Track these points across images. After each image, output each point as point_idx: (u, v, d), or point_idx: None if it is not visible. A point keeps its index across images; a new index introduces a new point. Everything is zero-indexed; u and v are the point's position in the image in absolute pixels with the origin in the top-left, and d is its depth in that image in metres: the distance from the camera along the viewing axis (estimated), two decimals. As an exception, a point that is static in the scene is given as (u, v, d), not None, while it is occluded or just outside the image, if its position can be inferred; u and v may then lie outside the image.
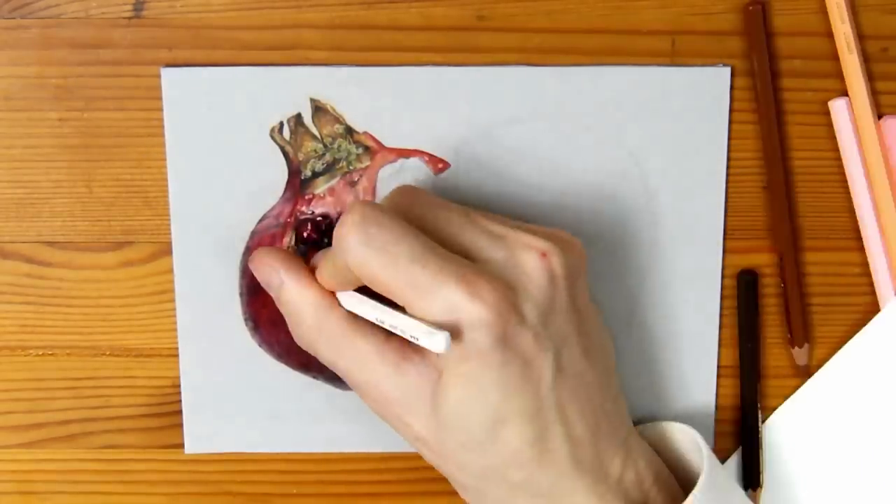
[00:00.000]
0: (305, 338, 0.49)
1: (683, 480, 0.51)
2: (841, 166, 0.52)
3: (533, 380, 0.45)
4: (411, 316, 0.45)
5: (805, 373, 0.54)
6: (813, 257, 0.54)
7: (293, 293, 0.48)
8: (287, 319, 0.49)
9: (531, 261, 0.46)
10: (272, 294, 0.50)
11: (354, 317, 0.48)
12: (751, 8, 0.50)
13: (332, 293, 0.48)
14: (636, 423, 0.52)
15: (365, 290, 0.47)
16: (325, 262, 0.48)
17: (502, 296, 0.44)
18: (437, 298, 0.44)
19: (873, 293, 0.53)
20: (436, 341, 0.43)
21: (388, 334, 0.47)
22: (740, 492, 0.50)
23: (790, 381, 0.55)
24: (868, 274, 0.53)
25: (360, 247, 0.45)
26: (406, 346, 0.47)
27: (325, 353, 0.48)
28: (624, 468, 0.48)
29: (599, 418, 0.47)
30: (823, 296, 0.54)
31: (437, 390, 0.46)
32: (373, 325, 0.47)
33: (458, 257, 0.45)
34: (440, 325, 0.44)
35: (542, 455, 0.46)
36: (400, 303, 0.45)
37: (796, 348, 0.53)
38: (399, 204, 0.47)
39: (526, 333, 0.45)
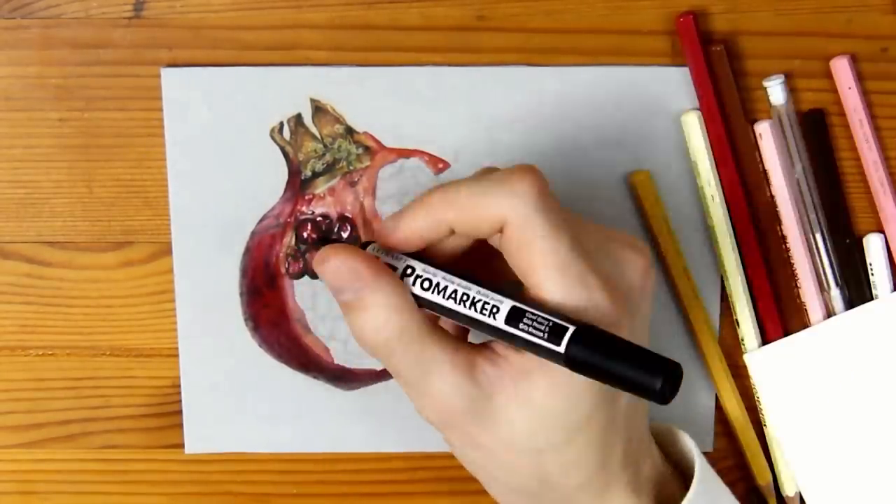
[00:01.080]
0: (382, 345, 0.45)
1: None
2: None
3: (618, 393, 0.45)
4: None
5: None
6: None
7: (377, 297, 0.45)
8: (358, 324, 0.45)
9: (638, 275, 0.46)
10: (342, 298, 0.46)
11: (429, 326, 0.46)
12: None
13: (421, 313, 0.45)
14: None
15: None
16: (449, 193, 0.45)
17: (622, 304, 0.44)
18: (578, 292, 0.43)
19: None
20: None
21: (457, 344, 0.46)
22: (730, 497, 0.51)
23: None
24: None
25: (534, 210, 0.43)
26: (475, 355, 0.46)
27: (399, 362, 0.45)
28: (652, 466, 0.48)
29: (643, 424, 0.48)
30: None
31: (520, 395, 0.45)
32: (445, 336, 0.46)
33: (597, 262, 0.44)
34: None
35: (603, 459, 0.46)
36: (528, 277, 0.44)
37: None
38: None
39: (625, 334, 0.44)
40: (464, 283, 0.45)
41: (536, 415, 0.45)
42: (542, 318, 0.43)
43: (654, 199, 0.52)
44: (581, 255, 0.44)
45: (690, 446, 0.50)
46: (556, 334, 0.42)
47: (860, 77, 0.52)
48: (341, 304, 0.46)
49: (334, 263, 0.45)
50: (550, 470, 0.46)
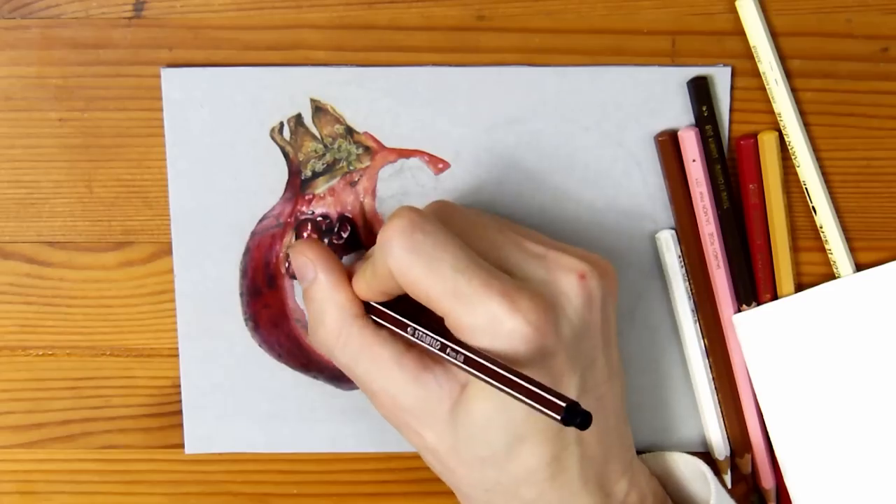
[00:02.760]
0: (323, 339, 0.49)
1: None
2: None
3: None
4: (439, 331, 0.46)
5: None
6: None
7: (322, 292, 0.48)
8: (308, 317, 0.49)
9: (570, 282, 0.46)
10: (302, 286, 0.50)
11: (376, 325, 0.48)
12: (660, 139, 0.51)
13: (360, 303, 0.48)
14: (640, 435, 0.52)
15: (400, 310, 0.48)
16: (365, 268, 0.48)
17: (542, 313, 0.44)
18: (478, 310, 0.44)
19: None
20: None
21: (409, 344, 0.47)
22: None
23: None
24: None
25: (404, 252, 0.45)
26: (426, 357, 0.47)
27: (342, 357, 0.48)
28: (629, 490, 0.48)
29: (612, 441, 0.48)
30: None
31: (461, 402, 0.46)
32: (394, 334, 0.47)
33: (500, 272, 0.45)
34: (476, 336, 0.44)
35: (555, 475, 0.46)
36: (438, 311, 0.45)
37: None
38: (440, 214, 0.47)
39: (559, 353, 0.45)
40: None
41: (475, 421, 0.45)
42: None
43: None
44: (475, 272, 0.44)
45: (699, 474, 0.50)
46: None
47: (860, 77, 0.52)
48: (303, 292, 0.50)
49: (293, 253, 0.50)
50: (496, 481, 0.46)
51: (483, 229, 0.47)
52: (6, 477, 0.56)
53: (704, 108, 0.51)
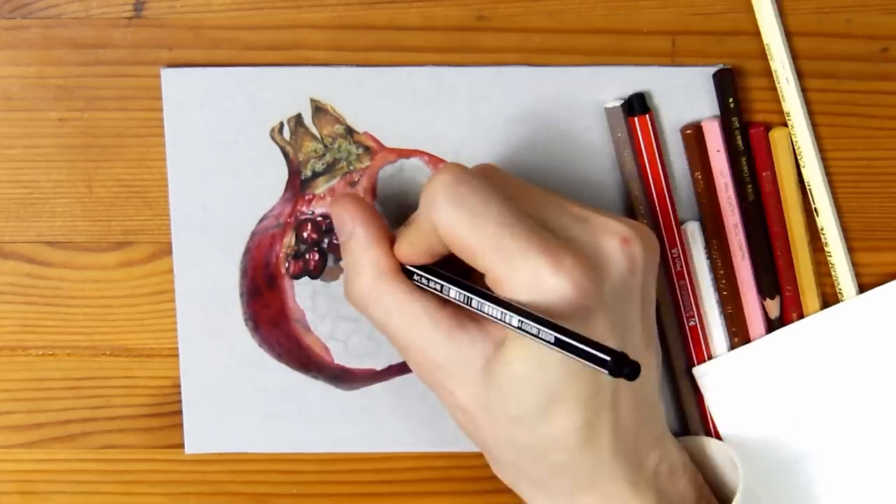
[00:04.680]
0: (358, 293, 0.48)
1: (718, 496, 0.51)
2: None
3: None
4: (486, 288, 0.45)
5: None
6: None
7: (359, 246, 0.48)
8: (346, 272, 0.49)
9: (614, 245, 0.46)
10: (339, 240, 0.49)
11: (411, 282, 0.47)
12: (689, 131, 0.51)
13: (395, 259, 0.48)
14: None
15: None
16: (408, 229, 0.47)
17: (585, 273, 0.44)
18: (520, 266, 0.44)
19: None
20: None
21: (444, 301, 0.47)
22: None
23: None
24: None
25: (448, 206, 0.44)
26: (461, 314, 0.46)
27: (375, 311, 0.48)
28: (660, 462, 0.48)
29: (645, 411, 0.47)
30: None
31: (495, 360, 0.45)
32: (428, 291, 0.47)
33: (544, 230, 0.45)
34: (517, 292, 0.44)
35: (587, 440, 0.46)
36: (480, 266, 0.45)
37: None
38: (485, 173, 0.47)
39: (599, 314, 0.44)
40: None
41: (510, 379, 0.45)
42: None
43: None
44: (518, 228, 0.44)
45: (729, 461, 0.50)
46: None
47: (860, 77, 0.52)
48: (340, 245, 0.49)
49: (333, 207, 0.49)
50: (526, 442, 0.46)
51: (527, 190, 0.47)
52: (6, 477, 0.56)
53: (731, 101, 0.51)
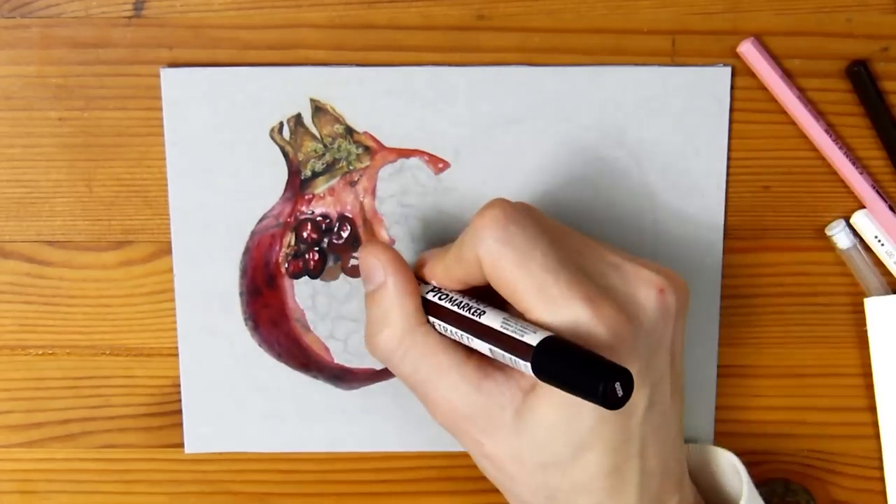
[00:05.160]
0: (384, 345, 0.48)
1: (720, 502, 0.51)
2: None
3: (627, 412, 0.45)
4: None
5: None
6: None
7: (390, 297, 0.47)
8: (369, 320, 0.48)
9: (650, 296, 0.46)
10: (366, 289, 0.49)
11: (438, 333, 0.47)
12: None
13: (423, 312, 0.48)
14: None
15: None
16: (442, 255, 0.47)
17: (623, 323, 0.44)
18: (560, 310, 0.44)
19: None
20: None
21: (469, 352, 0.47)
22: None
23: (785, 381, 0.55)
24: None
25: (496, 242, 0.45)
26: (486, 364, 0.46)
27: (402, 363, 0.47)
28: None
29: (669, 456, 0.48)
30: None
31: (526, 406, 0.45)
32: (455, 342, 0.47)
33: (585, 277, 0.45)
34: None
35: (614, 485, 0.46)
36: (519, 305, 0.45)
37: None
38: (530, 212, 0.47)
39: (633, 365, 0.44)
40: (471, 315, 0.46)
41: (540, 427, 0.45)
42: (511, 337, 0.44)
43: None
44: (562, 273, 0.44)
45: (732, 469, 0.50)
46: (523, 350, 0.43)
47: (860, 77, 0.52)
48: (366, 294, 0.49)
49: (363, 254, 0.49)
50: (557, 488, 0.46)
51: (565, 233, 0.47)
52: (6, 476, 0.56)
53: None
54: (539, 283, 0.44)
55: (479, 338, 0.46)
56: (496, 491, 0.50)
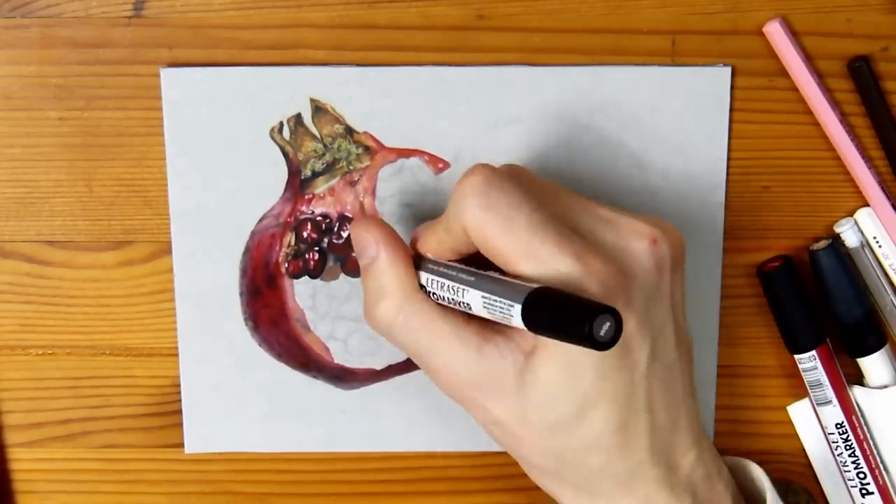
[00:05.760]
0: (382, 316, 0.47)
1: None
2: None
3: (629, 366, 0.45)
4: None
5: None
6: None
7: (385, 269, 0.47)
8: (366, 294, 0.48)
9: (642, 247, 0.46)
10: (361, 263, 0.49)
11: (435, 301, 0.47)
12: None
13: (418, 281, 0.48)
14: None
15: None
16: (434, 227, 0.47)
17: (614, 277, 0.44)
18: (550, 269, 0.44)
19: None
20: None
21: (468, 317, 0.47)
22: None
23: (784, 381, 0.55)
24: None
25: (479, 209, 0.44)
26: (486, 328, 0.46)
27: (401, 333, 0.47)
28: (695, 465, 0.48)
29: (680, 411, 0.47)
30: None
31: (528, 368, 0.45)
32: (453, 309, 0.47)
33: (573, 234, 0.45)
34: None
35: (624, 442, 0.46)
36: (508, 269, 0.45)
37: None
38: (514, 174, 0.46)
39: (630, 318, 0.44)
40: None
41: (543, 387, 0.45)
42: (502, 294, 0.44)
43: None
44: (549, 231, 0.44)
45: (759, 477, 0.49)
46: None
47: (860, 77, 0.52)
48: (361, 269, 0.48)
49: (355, 229, 0.48)
50: (566, 448, 0.46)
51: (554, 192, 0.47)
52: (6, 477, 0.55)
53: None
54: (525, 245, 0.44)
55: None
56: (497, 490, 0.50)
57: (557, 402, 0.45)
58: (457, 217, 0.45)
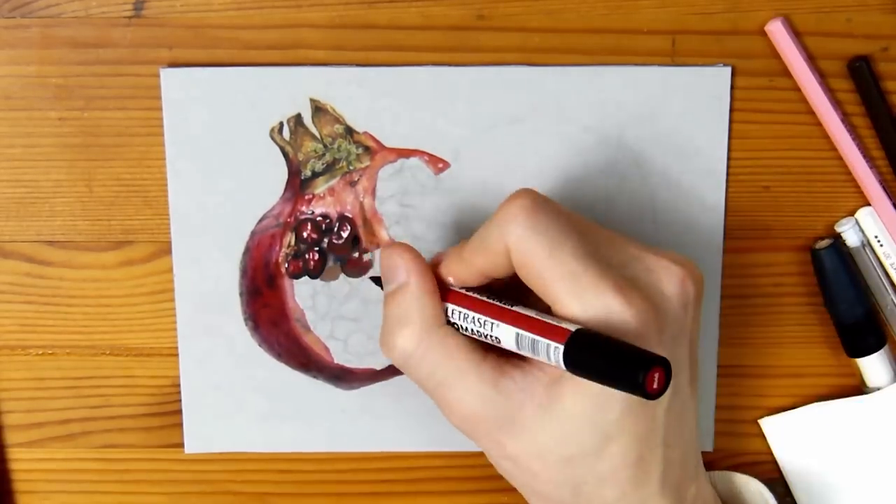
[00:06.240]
0: (402, 345, 0.47)
1: None
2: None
3: (653, 403, 0.45)
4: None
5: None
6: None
7: (412, 296, 0.47)
8: (386, 321, 0.48)
9: (672, 286, 0.46)
10: (385, 289, 0.48)
11: (458, 333, 0.47)
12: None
13: (443, 312, 0.47)
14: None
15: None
16: (460, 251, 0.47)
17: (651, 313, 0.44)
18: (590, 300, 0.44)
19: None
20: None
21: (486, 352, 0.46)
22: None
23: (785, 381, 0.55)
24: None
25: (527, 230, 0.44)
26: (502, 361, 0.46)
27: (419, 365, 0.47)
28: (696, 496, 0.48)
29: (688, 444, 0.48)
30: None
31: (550, 400, 0.45)
32: (474, 344, 0.47)
33: (613, 268, 0.45)
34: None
35: (638, 475, 0.46)
36: (547, 295, 0.45)
37: None
38: (555, 203, 0.46)
39: (660, 354, 0.44)
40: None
41: (566, 420, 0.45)
42: (541, 332, 0.44)
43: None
44: (591, 263, 0.44)
45: (759, 496, 0.50)
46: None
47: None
48: (385, 294, 0.48)
49: (385, 254, 0.48)
50: (582, 480, 0.46)
51: (588, 225, 0.47)
52: (6, 477, 0.55)
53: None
54: (570, 272, 0.44)
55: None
56: (497, 490, 0.50)
57: (580, 433, 0.45)
58: (500, 236, 0.45)
